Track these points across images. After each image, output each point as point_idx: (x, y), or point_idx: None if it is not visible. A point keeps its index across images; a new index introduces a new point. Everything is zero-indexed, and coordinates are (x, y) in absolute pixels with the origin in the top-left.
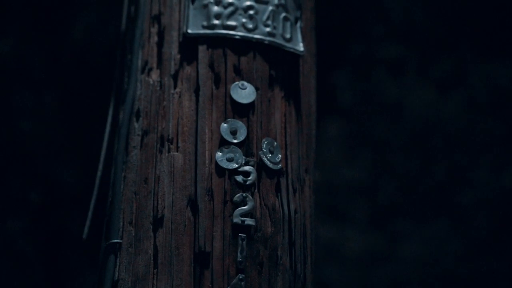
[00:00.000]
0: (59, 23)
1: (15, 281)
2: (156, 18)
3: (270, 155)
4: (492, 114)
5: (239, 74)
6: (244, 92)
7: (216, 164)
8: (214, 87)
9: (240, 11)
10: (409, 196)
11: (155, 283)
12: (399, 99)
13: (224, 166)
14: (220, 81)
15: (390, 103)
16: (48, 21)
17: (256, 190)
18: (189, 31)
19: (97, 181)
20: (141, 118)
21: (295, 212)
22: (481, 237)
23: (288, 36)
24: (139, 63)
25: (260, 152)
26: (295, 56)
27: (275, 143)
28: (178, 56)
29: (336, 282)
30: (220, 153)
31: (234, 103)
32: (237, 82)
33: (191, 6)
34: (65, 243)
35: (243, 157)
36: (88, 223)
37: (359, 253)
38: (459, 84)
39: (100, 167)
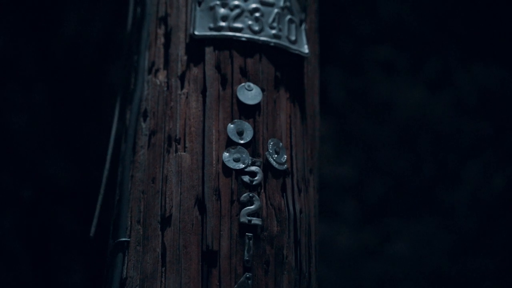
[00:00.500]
0: (49, 19)
1: (4, 277)
2: (163, 20)
3: (276, 155)
4: (480, 115)
5: (245, 75)
6: (250, 93)
7: (223, 164)
8: (221, 88)
9: (246, 14)
10: (399, 194)
11: (163, 281)
12: (389, 98)
13: (231, 166)
14: (226, 83)
15: (380, 102)
16: (38, 17)
17: (262, 190)
18: (196, 32)
19: (104, 180)
20: (148, 118)
21: (300, 211)
22: (469, 235)
23: (293, 38)
24: (146, 64)
25: (266, 153)
26: (300, 57)
27: (281, 144)
28: (185, 58)
29: (325, 278)
30: (227, 154)
31: (241, 104)
32: (243, 84)
33: (197, 8)
34: (55, 239)
35: (250, 157)
36: (95, 221)
37: (349, 250)
38: (448, 84)
39: (107, 166)
